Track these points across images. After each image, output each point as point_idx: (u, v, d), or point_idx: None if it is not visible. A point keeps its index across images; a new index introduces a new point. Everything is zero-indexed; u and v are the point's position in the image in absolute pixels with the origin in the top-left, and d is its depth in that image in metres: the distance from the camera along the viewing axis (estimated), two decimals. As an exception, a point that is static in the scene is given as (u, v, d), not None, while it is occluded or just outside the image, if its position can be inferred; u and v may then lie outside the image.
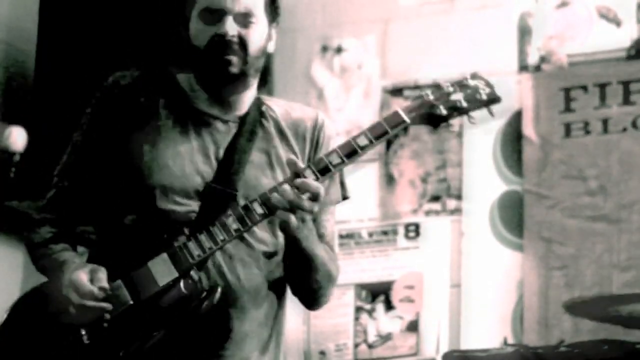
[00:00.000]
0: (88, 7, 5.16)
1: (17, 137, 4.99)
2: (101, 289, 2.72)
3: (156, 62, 3.19)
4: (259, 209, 2.72)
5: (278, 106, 3.06)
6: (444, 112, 2.81)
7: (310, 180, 2.70)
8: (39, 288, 2.88)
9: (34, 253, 2.94)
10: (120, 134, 2.91)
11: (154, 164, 2.87)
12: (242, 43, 2.88)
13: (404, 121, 2.78)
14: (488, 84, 2.88)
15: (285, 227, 2.75)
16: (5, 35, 5.47)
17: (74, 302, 2.72)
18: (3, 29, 5.47)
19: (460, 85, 2.85)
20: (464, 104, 2.82)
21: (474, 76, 2.90)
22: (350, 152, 2.75)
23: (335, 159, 2.75)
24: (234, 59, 2.88)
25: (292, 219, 2.70)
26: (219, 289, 2.75)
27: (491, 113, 2.89)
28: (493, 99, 2.87)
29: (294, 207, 2.68)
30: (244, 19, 2.88)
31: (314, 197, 2.69)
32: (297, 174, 2.72)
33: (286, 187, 2.70)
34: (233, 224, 2.73)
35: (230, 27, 2.86)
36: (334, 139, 3.06)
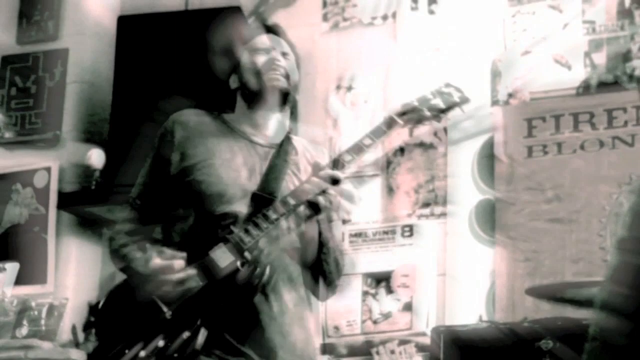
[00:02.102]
0: (154, 54, 5.30)
1: (97, 157, 5.27)
2: (177, 257, 2.86)
3: (198, 103, 3.26)
4: (291, 201, 2.91)
5: (299, 141, 3.22)
6: (427, 113, 3.05)
7: (329, 170, 2.92)
8: (125, 281, 3.01)
9: (114, 255, 3.10)
10: (182, 158, 3.06)
11: (211, 176, 3.02)
12: (285, 69, 3.11)
13: (397, 123, 3.02)
14: (458, 90, 3.12)
15: (314, 211, 2.94)
16: (88, 77, 5.65)
17: (162, 279, 2.85)
18: (87, 71, 5.65)
19: (438, 92, 3.09)
20: (442, 106, 3.07)
21: (448, 85, 3.13)
22: (358, 150, 2.98)
23: (347, 157, 2.97)
24: (281, 77, 3.09)
25: (321, 199, 2.89)
26: (268, 268, 2.90)
27: (463, 111, 3.12)
28: (463, 100, 3.10)
29: (323, 190, 2.89)
30: (284, 55, 3.15)
31: (335, 182, 2.90)
32: (320, 170, 2.95)
33: (314, 178, 2.92)
34: (273, 215, 2.90)
35: (277, 56, 3.12)
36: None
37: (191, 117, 3.16)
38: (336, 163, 2.97)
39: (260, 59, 3.12)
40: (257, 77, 3.11)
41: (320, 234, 3.05)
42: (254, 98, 3.14)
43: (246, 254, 2.89)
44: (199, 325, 2.85)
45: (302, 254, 3.07)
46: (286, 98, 3.15)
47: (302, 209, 2.95)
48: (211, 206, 2.99)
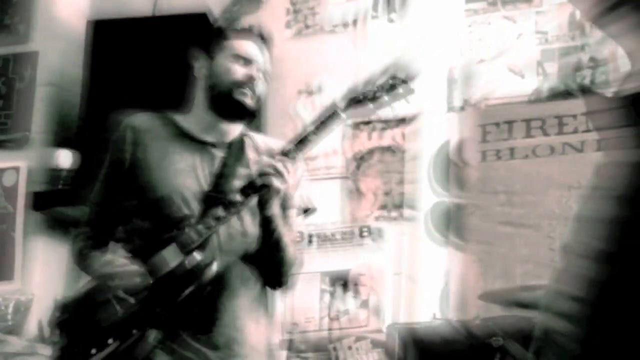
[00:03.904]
0: (123, 58, 5.23)
1: (65, 158, 5.26)
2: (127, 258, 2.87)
3: (162, 106, 3.14)
4: (238, 198, 2.85)
5: (256, 137, 3.16)
6: (369, 95, 2.90)
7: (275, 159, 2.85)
8: (87, 290, 2.96)
9: (75, 258, 3.06)
10: (135, 162, 3.00)
11: (163, 180, 2.96)
12: (257, 91, 3.02)
13: (338, 107, 2.91)
14: (404, 80, 2.93)
15: (262, 202, 2.87)
16: (58, 80, 5.59)
17: (120, 276, 2.85)
18: (56, 74, 5.60)
19: (383, 72, 2.93)
20: (386, 86, 2.90)
21: (393, 63, 2.95)
22: (304, 141, 2.88)
23: (292, 148, 2.87)
24: (251, 97, 2.99)
25: (271, 180, 2.82)
26: (215, 262, 2.84)
27: (407, 102, 2.93)
28: (407, 92, 2.93)
29: (269, 171, 2.81)
30: (263, 73, 3.03)
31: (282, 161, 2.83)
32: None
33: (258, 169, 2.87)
34: (221, 212, 2.85)
35: (256, 73, 3.01)
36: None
37: (143, 122, 3.08)
38: (283, 155, 2.90)
39: (239, 70, 3.02)
40: (229, 86, 3.02)
41: (272, 231, 2.97)
42: (221, 104, 3.06)
43: (195, 253, 2.86)
44: (148, 324, 2.83)
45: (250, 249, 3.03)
46: (249, 116, 3.08)
47: (250, 204, 2.89)
48: (165, 210, 2.93)
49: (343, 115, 2.94)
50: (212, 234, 2.87)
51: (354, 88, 2.96)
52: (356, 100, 2.95)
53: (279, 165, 2.85)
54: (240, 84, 3.01)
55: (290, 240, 3.04)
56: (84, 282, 3.03)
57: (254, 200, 2.90)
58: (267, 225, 2.96)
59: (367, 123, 5.32)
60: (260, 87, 3.04)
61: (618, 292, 1.55)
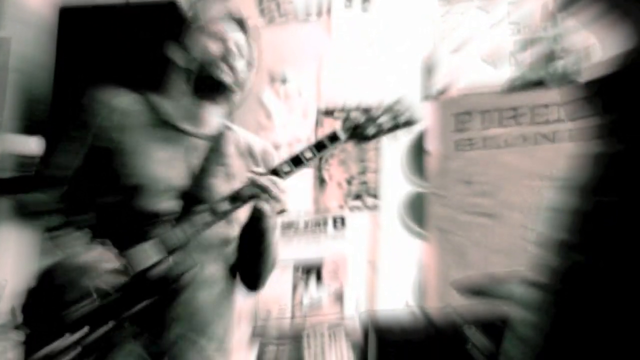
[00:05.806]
0: (95, 46, 5.18)
1: (37, 145, 5.22)
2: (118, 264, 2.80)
3: (142, 88, 3.08)
4: (226, 205, 2.85)
5: (239, 133, 3.15)
6: (371, 132, 2.92)
7: (265, 176, 2.84)
8: (56, 263, 2.86)
9: (50, 233, 2.96)
10: (117, 146, 2.92)
11: (142, 169, 2.90)
12: (236, 66, 2.99)
13: (339, 139, 2.90)
14: (408, 109, 2.94)
15: (258, 214, 2.92)
16: (29, 67, 5.51)
17: (100, 270, 2.78)
18: (28, 61, 5.52)
19: (386, 109, 2.93)
20: (387, 126, 2.92)
21: (398, 102, 2.93)
22: (298, 162, 2.89)
23: (286, 167, 2.88)
24: (229, 71, 2.97)
25: (263, 203, 2.87)
26: (198, 265, 2.87)
27: (410, 132, 2.95)
28: (411, 122, 2.94)
29: (260, 191, 2.82)
30: (238, 49, 3.02)
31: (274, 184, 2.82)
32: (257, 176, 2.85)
33: (248, 185, 2.85)
34: (207, 217, 2.84)
35: (234, 48, 3.00)
36: (278, 156, 3.11)
37: (128, 104, 3.01)
38: (274, 173, 2.89)
39: (213, 48, 3.00)
40: (205, 65, 2.99)
41: (262, 240, 2.99)
42: (199, 85, 3.02)
43: (177, 252, 2.85)
44: (124, 317, 2.80)
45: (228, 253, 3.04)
46: (229, 94, 3.04)
47: (226, 205, 2.88)
48: (141, 200, 2.89)
49: (342, 137, 2.92)
50: (196, 235, 2.86)
51: (354, 119, 2.93)
52: (360, 136, 2.93)
53: (275, 191, 2.83)
54: (216, 61, 2.96)
55: (275, 246, 3.04)
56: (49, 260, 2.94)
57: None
58: (258, 233, 2.97)
59: (341, 110, 5.27)
60: (238, 62, 3.00)
61: (578, 284, 1.54)
